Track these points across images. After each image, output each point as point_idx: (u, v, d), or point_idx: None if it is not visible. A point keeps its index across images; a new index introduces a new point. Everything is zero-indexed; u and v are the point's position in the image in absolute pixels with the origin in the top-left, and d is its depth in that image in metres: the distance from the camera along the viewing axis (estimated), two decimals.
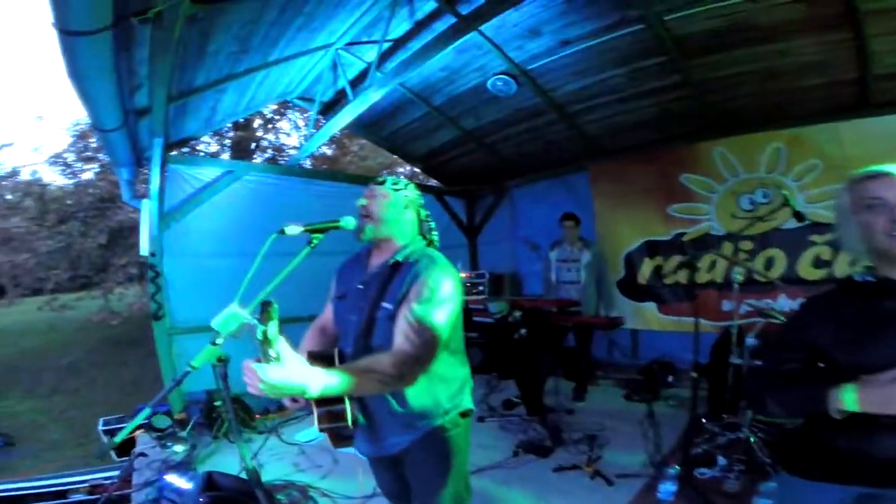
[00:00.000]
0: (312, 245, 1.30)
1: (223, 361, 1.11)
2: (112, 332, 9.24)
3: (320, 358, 1.33)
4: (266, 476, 3.00)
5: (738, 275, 3.04)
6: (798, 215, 2.66)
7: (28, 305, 9.57)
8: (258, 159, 11.07)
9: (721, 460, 2.70)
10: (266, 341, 1.01)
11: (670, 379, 4.48)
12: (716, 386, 3.32)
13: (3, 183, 9.90)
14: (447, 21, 3.54)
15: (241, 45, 3.23)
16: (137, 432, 3.52)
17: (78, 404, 6.16)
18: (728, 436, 2.92)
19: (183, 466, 3.05)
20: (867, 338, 1.04)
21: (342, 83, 4.32)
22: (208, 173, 4.43)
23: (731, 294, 4.18)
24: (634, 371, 4.74)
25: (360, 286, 1.52)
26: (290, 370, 1.06)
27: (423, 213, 1.62)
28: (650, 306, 4.98)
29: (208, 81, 3.59)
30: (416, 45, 3.88)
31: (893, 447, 1.01)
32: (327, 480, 2.97)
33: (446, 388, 1.50)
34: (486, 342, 5.17)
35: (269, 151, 11.77)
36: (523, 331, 3.60)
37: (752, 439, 2.65)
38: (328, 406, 1.32)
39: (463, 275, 5.56)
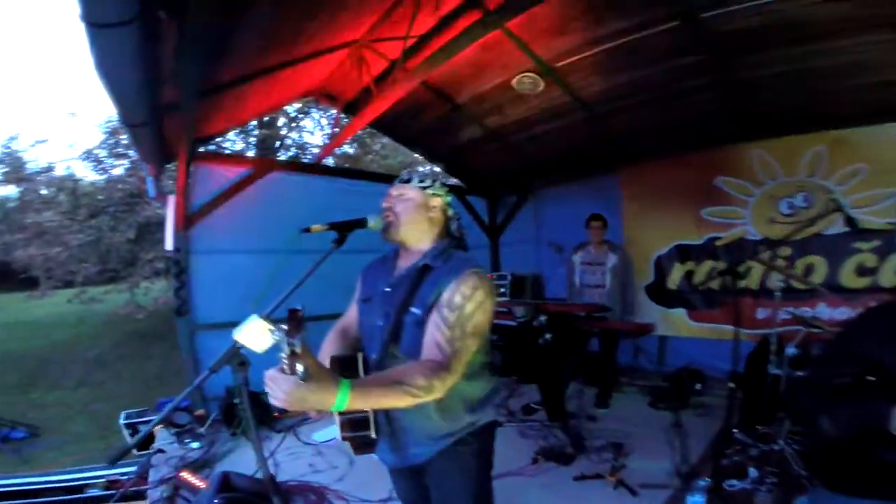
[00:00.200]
0: (339, 244, 1.24)
1: (244, 365, 1.04)
2: (138, 326, 9.44)
3: (343, 363, 1.28)
4: (282, 476, 2.98)
5: (780, 282, 2.89)
6: (850, 221, 2.52)
7: (59, 298, 9.85)
8: (282, 157, 11.19)
9: (752, 472, 2.59)
10: (294, 356, 0.93)
11: (698, 387, 4.32)
12: (751, 396, 3.19)
13: (39, 178, 10.22)
14: (473, 17, 3.47)
15: (267, 40, 3.21)
16: (156, 428, 3.56)
17: (102, 397, 6.30)
18: (761, 447, 2.80)
19: (200, 464, 3.05)
20: None
21: (365, 80, 4.30)
22: (233, 171, 4.45)
23: (767, 302, 4.08)
24: (660, 378, 4.60)
25: (387, 289, 1.45)
26: (317, 384, 0.99)
27: (452, 211, 1.54)
28: (680, 312, 4.83)
29: (234, 77, 3.59)
30: (440, 41, 3.82)
31: None
32: (343, 482, 2.93)
33: (472, 399, 1.43)
34: (506, 345, 5.06)
35: (293, 150, 11.89)
36: (548, 335, 3.50)
37: (787, 451, 2.55)
38: (351, 414, 1.27)
39: None
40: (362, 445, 1.41)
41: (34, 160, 10.54)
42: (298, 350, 0.92)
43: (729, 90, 3.92)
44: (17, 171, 10.35)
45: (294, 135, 12.01)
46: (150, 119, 2.82)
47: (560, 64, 4.04)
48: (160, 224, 5.55)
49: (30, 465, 3.92)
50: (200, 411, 3.80)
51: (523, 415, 4.03)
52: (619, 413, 4.04)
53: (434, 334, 1.26)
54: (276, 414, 3.96)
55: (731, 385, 2.63)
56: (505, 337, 5.13)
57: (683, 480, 2.68)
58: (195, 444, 3.39)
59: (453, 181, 6.98)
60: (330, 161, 7.29)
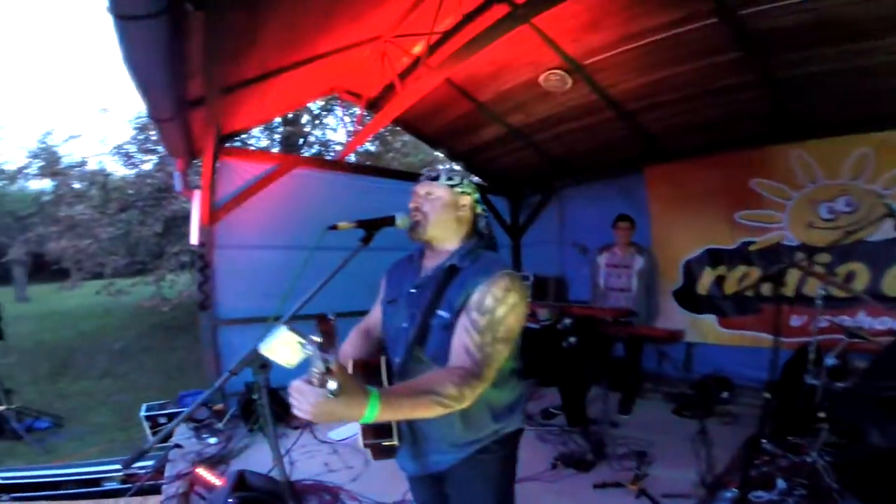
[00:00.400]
0: (366, 243, 1.20)
1: (265, 368, 1.00)
2: (162, 318, 9.64)
3: (367, 368, 1.23)
4: (297, 474, 2.98)
5: (823, 290, 2.75)
6: None
7: (88, 289, 10.12)
8: (306, 155, 11.29)
9: (781, 483, 2.49)
10: (328, 372, 0.87)
11: (725, 395, 4.20)
12: (783, 406, 3.07)
13: (72, 172, 10.53)
14: (499, 12, 3.40)
15: (293, 34, 3.20)
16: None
17: (126, 388, 6.42)
18: (791, 458, 2.71)
19: (216, 460, 3.06)
20: None
21: (388, 77, 4.27)
22: (258, 167, 4.47)
23: (802, 309, 3.91)
24: (686, 385, 4.48)
25: (413, 290, 1.40)
26: (347, 398, 0.93)
27: (480, 209, 1.48)
28: (709, 318, 4.67)
29: (260, 73, 3.60)
30: (464, 37, 3.77)
31: None
32: (358, 483, 2.90)
33: (498, 406, 1.37)
34: (527, 348, 4.96)
35: (316, 147, 11.99)
36: (573, 339, 3.41)
37: (819, 463, 2.44)
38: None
39: None
40: (383, 452, 1.37)
41: (68, 155, 10.89)
42: (333, 367, 0.87)
43: (767, 89, 3.77)
44: (51, 166, 10.70)
45: (317, 132, 12.12)
46: (177, 114, 2.84)
47: (590, 61, 3.94)
48: (186, 218, 5.63)
49: (51, 456, 4.00)
50: (219, 406, 3.82)
51: (542, 419, 3.96)
52: (642, 420, 3.95)
53: (463, 339, 1.21)
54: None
55: (767, 395, 2.53)
56: (526, 339, 5.02)
57: (708, 491, 2.61)
58: (212, 440, 3.41)
59: (475, 179, 6.91)
60: (352, 158, 7.31)
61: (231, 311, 4.22)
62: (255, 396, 3.72)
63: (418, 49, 3.90)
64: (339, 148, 9.99)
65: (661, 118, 4.47)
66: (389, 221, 1.28)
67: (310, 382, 0.91)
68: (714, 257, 4.64)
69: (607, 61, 3.89)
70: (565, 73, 4.07)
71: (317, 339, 0.87)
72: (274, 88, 4.07)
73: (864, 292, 3.67)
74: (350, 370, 1.28)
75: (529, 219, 6.58)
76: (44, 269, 12.59)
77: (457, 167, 6.43)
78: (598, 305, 4.23)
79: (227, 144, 4.49)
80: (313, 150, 11.79)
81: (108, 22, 1.73)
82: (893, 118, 3.64)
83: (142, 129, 9.48)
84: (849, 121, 3.84)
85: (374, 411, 0.97)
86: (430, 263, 1.43)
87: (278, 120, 10.46)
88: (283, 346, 0.95)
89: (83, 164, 10.55)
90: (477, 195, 1.48)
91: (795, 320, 4.05)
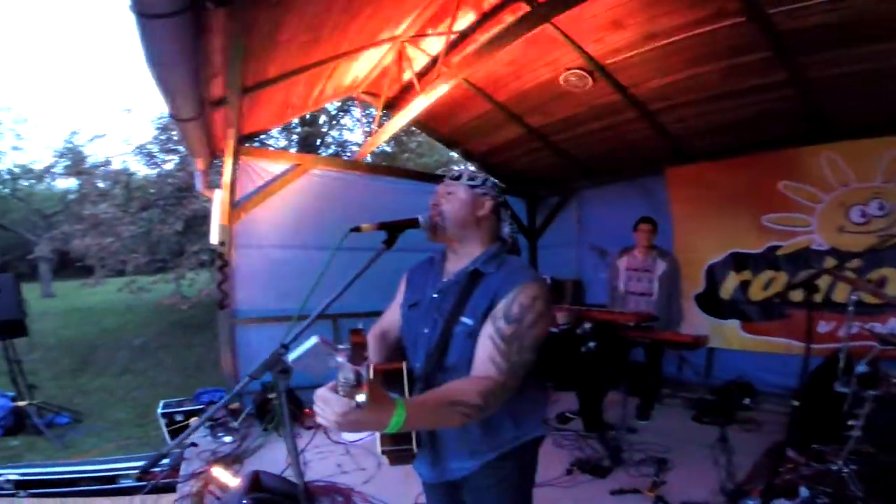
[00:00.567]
0: (389, 246, 1.17)
1: (286, 373, 0.97)
2: (181, 316, 9.79)
3: (387, 376, 1.20)
4: (309, 475, 2.97)
5: (855, 296, 2.64)
6: None
7: (111, 286, 10.35)
8: (323, 155, 11.37)
9: (804, 492, 2.42)
10: (358, 386, 0.85)
11: (747, 401, 4.11)
12: (809, 413, 2.98)
13: (97, 171, 10.78)
14: (518, 11, 3.35)
15: (312, 34, 3.20)
16: (192, 420, 3.63)
17: (144, 385, 6.52)
18: (815, 466, 2.66)
19: (231, 459, 3.07)
20: None
21: (407, 77, 4.25)
22: (277, 166, 4.50)
23: (830, 315, 3.78)
24: (706, 391, 4.38)
25: (435, 295, 1.36)
26: (374, 409, 0.90)
27: (503, 212, 1.43)
28: (733, 324, 4.55)
29: (280, 73, 3.61)
30: (483, 36, 3.73)
31: None
32: (370, 485, 2.89)
33: (521, 414, 1.33)
34: (543, 351, 4.89)
35: (333, 147, 12.07)
36: (592, 344, 3.34)
37: (844, 472, 2.39)
38: None
39: None
40: (400, 458, 1.33)
41: (93, 155, 11.16)
42: (365, 382, 0.85)
43: (796, 89, 3.66)
44: (77, 165, 10.97)
45: (334, 132, 12.21)
46: (198, 114, 2.86)
47: (612, 60, 3.87)
48: (206, 217, 5.71)
49: (69, 451, 4.07)
50: (235, 405, 3.85)
51: (558, 423, 3.91)
52: (661, 426, 3.87)
53: (489, 348, 1.17)
54: (307, 410, 3.97)
55: (795, 403, 2.48)
56: (544, 343, 4.96)
57: (728, 499, 2.56)
58: (227, 439, 3.43)
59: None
60: (368, 159, 7.34)
61: (249, 309, 4.25)
62: (270, 396, 3.73)
63: (437, 49, 3.88)
64: (355, 148, 10.02)
65: (684, 118, 4.37)
66: (413, 223, 1.25)
67: (334, 389, 0.88)
68: (739, 261, 4.52)
69: (630, 60, 3.81)
70: (586, 73, 4.00)
71: (347, 350, 0.84)
72: (293, 88, 4.09)
73: None
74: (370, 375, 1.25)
75: (547, 220, 6.51)
76: (68, 266, 12.93)
77: (472, 167, 6.38)
78: (617, 309, 4.14)
79: (247, 144, 4.52)
80: (330, 151, 11.88)
81: (132, 21, 1.75)
82: None
83: (164, 129, 9.67)
84: (882, 122, 3.70)
85: (400, 421, 0.95)
86: (452, 267, 1.39)
87: (296, 120, 10.56)
88: (314, 358, 0.94)
89: (107, 163, 10.80)
90: (502, 198, 1.43)
91: (823, 326, 3.92)
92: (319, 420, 0.91)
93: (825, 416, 2.78)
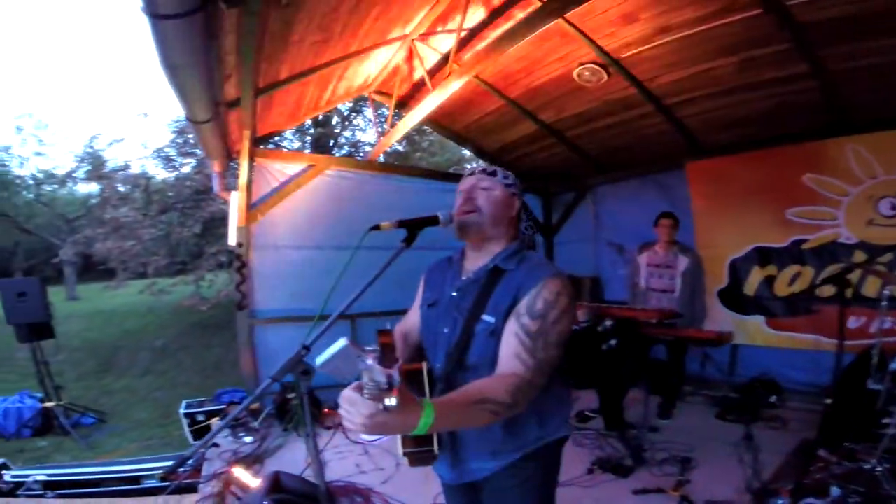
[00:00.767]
0: (409, 244, 1.15)
1: (307, 374, 0.96)
2: (201, 317, 9.95)
3: (408, 374, 1.18)
4: (328, 475, 2.97)
5: (888, 291, 2.54)
6: None
7: (132, 288, 10.57)
8: (337, 155, 11.44)
9: (835, 491, 2.36)
10: (389, 389, 0.83)
11: (773, 399, 4.00)
12: (841, 411, 2.89)
13: (117, 175, 11.01)
14: (529, 7, 3.30)
15: (323, 34, 3.21)
16: (213, 420, 3.67)
17: (165, 385, 6.64)
18: (846, 465, 2.57)
19: (251, 459, 3.10)
20: None
21: (418, 76, 4.23)
22: (292, 167, 4.53)
23: (860, 310, 3.66)
24: (730, 388, 4.29)
25: (455, 294, 1.33)
26: (402, 412, 0.88)
27: (525, 210, 1.41)
28: (757, 320, 4.43)
29: (292, 73, 3.62)
30: (494, 33, 3.68)
31: None
32: (388, 485, 2.88)
33: (546, 413, 1.30)
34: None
35: (346, 148, 12.13)
36: (613, 341, 3.28)
37: (878, 470, 2.33)
38: None
39: None
40: (421, 459, 1.31)
41: (112, 159, 11.40)
42: (396, 385, 0.83)
43: (818, 81, 3.55)
44: (97, 170, 11.22)
45: (347, 133, 12.27)
46: (213, 116, 2.88)
47: (626, 54, 3.79)
48: (224, 219, 5.79)
49: (94, 451, 4.15)
50: (255, 405, 3.88)
51: (577, 422, 3.86)
52: (683, 424, 3.79)
53: (513, 345, 1.14)
54: (325, 410, 3.98)
55: (828, 400, 2.38)
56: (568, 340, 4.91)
57: (755, 497, 2.50)
58: (248, 439, 3.46)
59: None
60: (380, 158, 7.36)
61: (267, 310, 4.28)
62: (290, 396, 3.75)
63: (447, 47, 3.85)
64: (368, 148, 10.06)
65: (703, 112, 4.27)
66: (433, 221, 1.22)
67: (359, 390, 0.86)
68: (763, 256, 4.40)
69: (645, 54, 3.74)
70: (601, 68, 3.93)
71: (377, 352, 0.82)
72: (306, 89, 4.10)
73: None
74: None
75: (563, 217, 6.44)
76: (92, 269, 13.24)
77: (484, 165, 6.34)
78: (638, 306, 4.07)
79: (262, 146, 4.56)
80: (343, 151, 11.94)
81: (146, 24, 1.76)
82: None
83: (180, 132, 9.82)
84: None
85: (429, 423, 0.92)
86: (472, 265, 1.36)
87: (309, 122, 10.63)
88: (342, 361, 0.91)
89: (126, 167, 11.04)
90: (523, 199, 1.41)
91: (853, 322, 3.79)
92: (346, 423, 0.89)
93: (857, 414, 2.70)
